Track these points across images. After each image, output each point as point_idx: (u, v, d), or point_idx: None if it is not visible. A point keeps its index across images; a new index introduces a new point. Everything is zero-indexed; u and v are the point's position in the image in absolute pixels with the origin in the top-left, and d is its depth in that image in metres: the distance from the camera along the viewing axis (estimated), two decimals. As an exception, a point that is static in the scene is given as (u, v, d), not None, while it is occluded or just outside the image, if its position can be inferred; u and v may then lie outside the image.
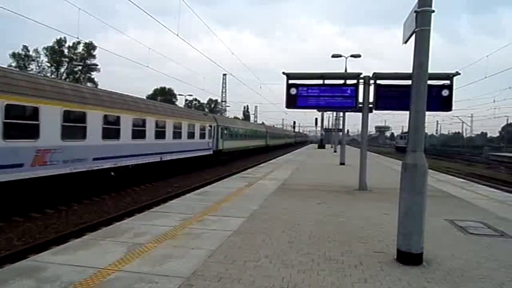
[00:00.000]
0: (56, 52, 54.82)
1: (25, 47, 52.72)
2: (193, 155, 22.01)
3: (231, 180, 13.07)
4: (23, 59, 52.52)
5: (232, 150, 31.35)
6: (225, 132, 29.28)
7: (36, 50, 53.56)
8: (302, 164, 21.41)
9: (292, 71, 10.47)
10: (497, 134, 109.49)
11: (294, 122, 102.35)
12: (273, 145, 55.89)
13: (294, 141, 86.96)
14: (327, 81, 10.43)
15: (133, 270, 4.06)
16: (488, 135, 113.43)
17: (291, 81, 10.32)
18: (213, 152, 25.67)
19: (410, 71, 4.68)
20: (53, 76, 51.17)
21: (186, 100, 68.87)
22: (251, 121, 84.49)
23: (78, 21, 20.68)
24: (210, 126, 25.33)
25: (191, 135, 21.74)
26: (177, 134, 19.71)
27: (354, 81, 10.30)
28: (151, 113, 17.12)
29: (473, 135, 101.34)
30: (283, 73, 10.36)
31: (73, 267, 4.09)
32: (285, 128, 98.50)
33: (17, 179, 9.63)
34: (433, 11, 4.44)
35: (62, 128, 11.21)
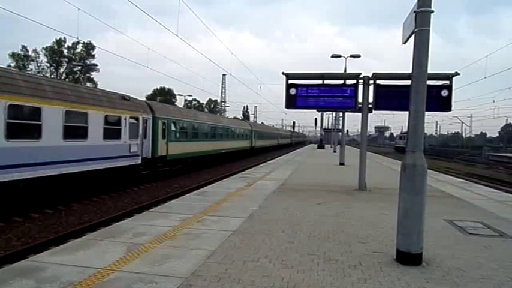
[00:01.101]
0: (55, 52, 54.68)
1: (24, 47, 52.63)
2: (87, 167, 12.58)
3: (230, 181, 13.06)
4: (22, 59, 52.38)
5: (187, 156, 21.26)
6: (173, 129, 19.73)
7: (35, 50, 53.49)
8: (301, 164, 21.41)
9: (291, 71, 10.48)
10: (497, 134, 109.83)
11: (294, 122, 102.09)
12: (262, 147, 45.96)
13: (290, 142, 78.22)
14: (326, 82, 10.43)
15: (132, 270, 4.06)
16: (488, 136, 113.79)
17: (290, 82, 10.33)
18: (143, 160, 16.34)
19: (409, 71, 4.68)
20: (52, 76, 51.11)
21: (186, 100, 68.96)
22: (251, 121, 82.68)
23: (78, 21, 20.73)
24: (136, 118, 15.69)
25: (80, 131, 12.32)
26: (28, 129, 10.39)
27: (354, 82, 10.31)
28: None
29: (472, 136, 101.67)
30: (283, 73, 10.36)
31: (72, 267, 4.09)
32: (284, 127, 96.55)
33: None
34: (433, 11, 4.44)
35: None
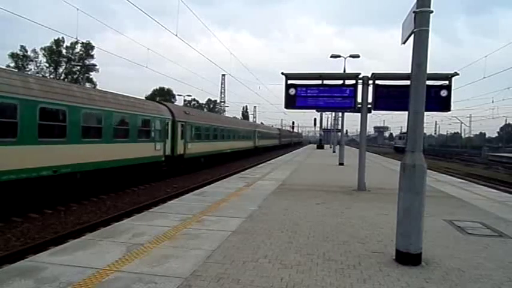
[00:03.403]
0: (54, 52, 54.62)
1: (23, 47, 52.55)
2: None
3: (230, 181, 13.06)
4: (21, 59, 52.32)
5: None
6: None
7: (34, 51, 53.43)
8: (301, 164, 21.41)
9: (291, 71, 10.48)
10: (496, 134, 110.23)
11: (293, 122, 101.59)
12: (208, 154, 25.17)
13: (278, 143, 61.77)
14: (325, 82, 10.43)
15: (132, 270, 4.06)
16: (487, 136, 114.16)
17: (289, 82, 10.32)
18: None
19: (409, 71, 4.69)
20: (51, 76, 51.04)
21: (185, 100, 68.86)
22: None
23: (77, 21, 20.64)
24: None
25: None
26: None
27: (353, 82, 10.32)
28: None
29: (471, 136, 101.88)
30: (282, 73, 10.36)
31: (72, 267, 4.08)
32: (285, 128, 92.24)
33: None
34: (432, 12, 4.45)
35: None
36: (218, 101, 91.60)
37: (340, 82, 10.54)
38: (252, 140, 41.24)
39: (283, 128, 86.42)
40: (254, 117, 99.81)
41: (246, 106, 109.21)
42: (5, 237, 8.47)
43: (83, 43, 53.51)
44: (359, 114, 10.84)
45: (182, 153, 20.75)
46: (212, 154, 26.12)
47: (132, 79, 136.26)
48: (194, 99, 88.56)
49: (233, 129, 32.99)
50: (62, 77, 53.65)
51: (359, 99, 10.32)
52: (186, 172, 21.06)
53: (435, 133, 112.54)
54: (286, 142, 71.07)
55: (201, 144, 23.90)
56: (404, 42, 5.06)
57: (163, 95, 77.32)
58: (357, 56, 23.59)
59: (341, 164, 20.75)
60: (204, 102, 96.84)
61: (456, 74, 9.70)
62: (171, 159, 19.45)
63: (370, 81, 10.21)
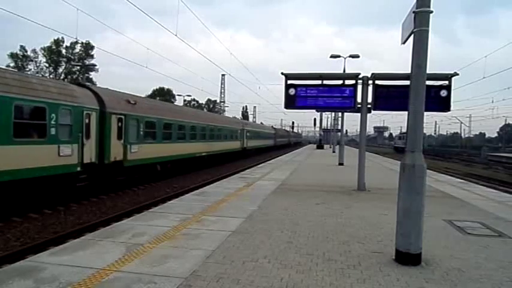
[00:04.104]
0: (53, 52, 54.58)
1: (22, 48, 52.50)
2: None
3: (229, 181, 13.05)
4: (21, 59, 52.29)
5: None
6: None
7: (34, 51, 53.39)
8: (301, 164, 21.41)
9: (290, 71, 10.48)
10: (496, 134, 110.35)
11: (293, 122, 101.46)
12: (182, 158, 20.12)
13: (273, 144, 55.35)
14: (325, 82, 10.43)
15: (132, 270, 4.06)
16: (487, 136, 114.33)
17: (289, 82, 10.32)
18: None
19: (408, 71, 4.69)
20: (51, 76, 51.01)
21: (185, 100, 68.83)
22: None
23: (77, 21, 20.61)
24: None
25: None
26: None
27: (353, 82, 10.32)
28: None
29: (471, 136, 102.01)
30: (282, 73, 10.36)
31: (72, 267, 4.08)
32: (284, 128, 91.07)
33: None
34: (432, 12, 4.45)
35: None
36: (218, 101, 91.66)
37: (340, 82, 10.54)
38: (239, 141, 34.49)
39: (281, 128, 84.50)
40: (254, 117, 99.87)
41: (246, 106, 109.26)
42: (5, 237, 8.47)
43: (82, 43, 53.53)
44: (359, 114, 10.85)
45: (120, 159, 14.48)
46: (177, 159, 19.56)
47: (132, 79, 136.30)
48: (194, 99, 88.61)
49: (211, 126, 25.91)
50: (61, 77, 53.59)
51: (359, 99, 10.33)
52: (126, 186, 15.01)
53: (435, 133, 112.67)
54: (284, 143, 65.74)
55: (157, 146, 17.46)
56: (404, 43, 5.06)
57: (163, 95, 77.36)
58: (357, 56, 23.61)
59: (341, 164, 20.74)
60: (204, 102, 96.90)
61: (456, 74, 9.71)
62: (100, 168, 13.42)
63: (370, 81, 10.21)
